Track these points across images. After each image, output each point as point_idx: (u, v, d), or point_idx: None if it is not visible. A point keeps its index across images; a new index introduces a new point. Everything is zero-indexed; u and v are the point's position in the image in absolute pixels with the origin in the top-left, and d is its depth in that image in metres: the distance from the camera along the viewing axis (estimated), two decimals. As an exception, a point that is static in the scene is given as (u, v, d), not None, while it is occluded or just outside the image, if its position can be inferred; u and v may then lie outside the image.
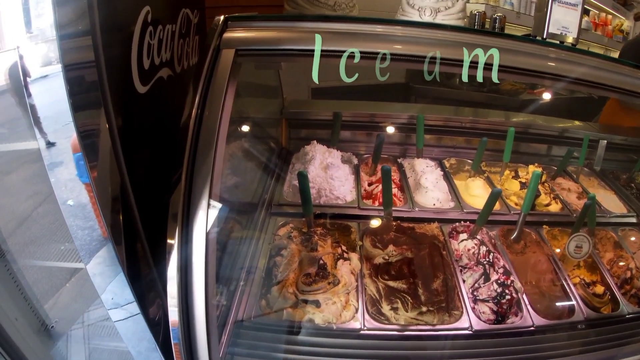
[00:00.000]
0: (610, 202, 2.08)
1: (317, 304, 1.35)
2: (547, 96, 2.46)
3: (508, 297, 1.43)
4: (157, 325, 1.09)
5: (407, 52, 1.23)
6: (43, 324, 1.41)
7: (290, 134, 2.04)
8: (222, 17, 1.22)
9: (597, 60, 1.38)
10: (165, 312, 1.00)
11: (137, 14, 1.06)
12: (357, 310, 1.36)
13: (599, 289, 1.60)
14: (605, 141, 2.23)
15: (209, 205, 1.04)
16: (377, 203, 1.72)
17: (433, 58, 1.22)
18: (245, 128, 1.64)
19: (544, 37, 1.40)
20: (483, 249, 1.54)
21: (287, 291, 1.38)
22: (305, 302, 1.36)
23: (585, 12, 5.64)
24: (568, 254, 1.53)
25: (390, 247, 1.47)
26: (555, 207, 1.91)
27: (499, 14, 1.90)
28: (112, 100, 0.93)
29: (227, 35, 1.19)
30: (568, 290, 1.56)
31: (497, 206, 1.85)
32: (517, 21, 2.49)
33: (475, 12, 2.28)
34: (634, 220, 2.02)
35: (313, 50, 1.21)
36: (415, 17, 1.38)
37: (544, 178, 1.97)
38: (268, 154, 1.83)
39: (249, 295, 1.38)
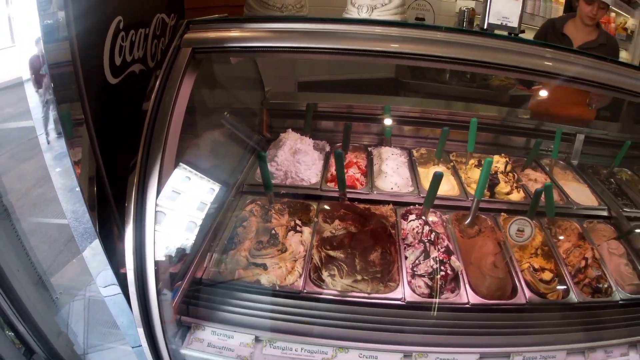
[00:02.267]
0: (582, 195, 2.16)
1: (264, 267, 1.57)
2: (539, 91, 2.55)
3: (443, 273, 1.58)
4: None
5: (333, 46, 1.38)
6: (40, 278, 1.74)
7: (272, 123, 2.28)
8: (184, 21, 1.45)
9: (534, 48, 1.48)
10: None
11: (109, 23, 1.32)
12: (301, 275, 1.56)
13: (547, 275, 1.69)
14: (583, 135, 2.30)
15: (159, 182, 1.28)
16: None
17: (364, 50, 1.38)
18: (223, 116, 1.89)
19: (484, 27, 1.50)
20: (426, 228, 1.69)
21: (241, 255, 1.61)
22: (255, 265, 1.58)
23: None
24: (509, 237, 1.64)
25: (336, 222, 1.66)
26: (516, 196, 2.03)
27: (467, 7, 2.04)
28: (86, 88, 1.20)
29: (187, 36, 1.42)
30: (514, 274, 1.67)
31: (456, 192, 2.00)
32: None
33: (464, 8, 2.43)
34: (604, 213, 2.10)
35: (257, 47, 1.42)
36: (354, 14, 1.56)
37: (508, 168, 2.08)
38: (246, 141, 2.07)
39: (211, 259, 1.63)
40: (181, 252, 1.46)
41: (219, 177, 1.62)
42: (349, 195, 1.87)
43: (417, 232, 1.71)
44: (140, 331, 1.33)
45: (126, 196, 1.26)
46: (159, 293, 1.30)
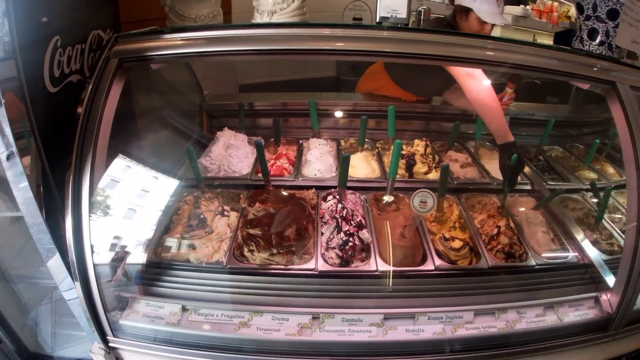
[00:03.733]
0: None
1: (193, 246, 1.84)
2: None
3: (351, 244, 1.82)
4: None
5: (234, 48, 1.63)
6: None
7: (212, 124, 2.56)
8: (114, 35, 1.72)
9: (424, 34, 1.72)
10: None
11: (48, 42, 1.60)
12: (226, 253, 1.82)
13: (457, 243, 1.91)
14: (508, 117, 2.53)
15: (91, 177, 1.53)
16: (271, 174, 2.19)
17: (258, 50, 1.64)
18: (162, 118, 2.18)
19: (377, 20, 1.71)
20: (339, 206, 1.95)
21: (174, 238, 1.88)
22: (186, 245, 1.85)
23: (532, 0, 5.96)
24: (413, 208, 1.85)
25: (257, 205, 1.93)
26: (435, 175, 2.28)
27: (424, 7, 2.30)
28: (30, 96, 1.47)
29: (115, 48, 1.68)
30: (425, 244, 1.92)
31: (377, 174, 2.25)
32: (449, 11, 2.83)
33: (420, 8, 2.69)
34: (526, 187, 2.37)
35: (173, 54, 1.67)
36: (258, 19, 1.83)
37: (428, 150, 2.34)
38: (186, 139, 2.36)
39: (148, 242, 1.89)
40: (119, 238, 1.72)
41: (157, 171, 1.89)
42: (277, 184, 2.14)
43: (332, 210, 1.96)
44: (84, 305, 1.58)
45: (64, 191, 1.53)
46: (97, 276, 1.55)
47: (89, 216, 1.53)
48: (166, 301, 1.69)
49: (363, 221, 1.96)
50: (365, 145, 2.47)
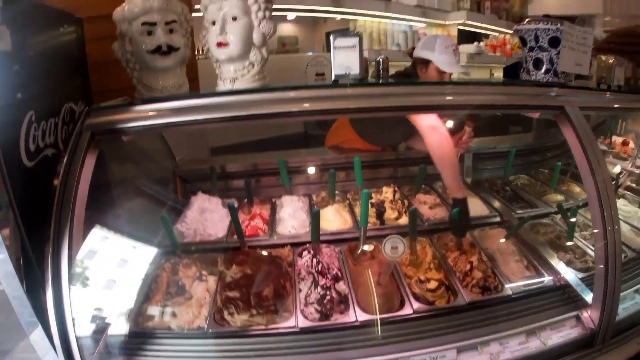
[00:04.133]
0: (473, 206, 2.48)
1: (173, 314, 1.87)
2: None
3: (329, 297, 1.87)
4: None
5: (200, 117, 1.74)
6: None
7: (186, 188, 2.65)
8: (86, 108, 1.81)
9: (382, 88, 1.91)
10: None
11: (23, 118, 1.66)
12: (206, 318, 1.86)
13: (432, 284, 1.96)
14: (470, 154, 2.67)
15: (69, 249, 1.58)
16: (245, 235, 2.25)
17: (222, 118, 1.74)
18: (137, 187, 2.26)
19: (333, 79, 1.82)
20: (314, 261, 2.01)
21: (154, 306, 1.92)
22: (167, 313, 1.88)
23: (485, 37, 6.39)
24: (385, 254, 1.91)
25: (234, 267, 1.99)
26: (405, 220, 2.35)
27: (382, 56, 2.49)
28: (7, 171, 1.51)
29: (87, 122, 1.76)
30: (401, 288, 1.97)
31: (349, 225, 2.33)
32: (406, 58, 3.02)
33: (379, 58, 2.87)
34: (496, 219, 2.48)
35: (144, 126, 1.75)
36: (221, 86, 1.94)
37: (397, 196, 2.44)
38: (161, 206, 2.43)
39: (129, 312, 1.91)
40: (100, 309, 1.75)
41: (134, 240, 1.95)
42: (253, 244, 2.20)
43: (307, 266, 2.02)
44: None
45: (44, 263, 1.57)
46: (80, 348, 1.58)
47: (69, 288, 1.57)
48: (149, 373, 1.71)
49: (339, 273, 2.02)
50: (337, 198, 2.57)
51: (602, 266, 1.78)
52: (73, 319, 1.57)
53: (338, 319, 1.84)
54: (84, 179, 1.68)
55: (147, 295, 1.98)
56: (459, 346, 1.73)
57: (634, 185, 3.00)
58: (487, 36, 6.87)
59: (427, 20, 5.88)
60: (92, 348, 1.64)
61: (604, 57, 2.43)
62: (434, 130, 2.28)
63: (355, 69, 1.82)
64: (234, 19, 1.85)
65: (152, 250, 2.04)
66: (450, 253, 2.23)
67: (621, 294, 1.91)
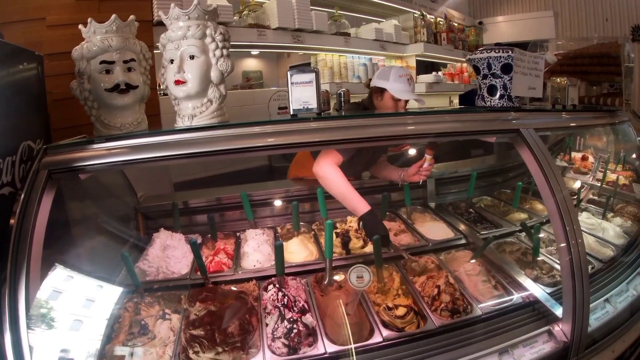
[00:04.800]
0: (438, 231, 2.55)
1: (137, 354, 1.82)
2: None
3: (296, 330, 1.86)
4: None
5: (158, 155, 1.74)
6: None
7: (148, 225, 2.63)
8: (43, 147, 1.80)
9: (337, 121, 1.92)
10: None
11: None
12: (171, 358, 1.81)
13: (400, 311, 1.97)
14: (433, 179, 2.75)
15: (27, 289, 1.54)
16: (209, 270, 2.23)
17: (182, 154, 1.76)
18: (98, 224, 2.23)
19: (291, 113, 1.91)
20: (280, 294, 2.01)
21: (116, 347, 1.86)
22: (130, 354, 1.83)
23: (444, 66, 6.73)
24: (351, 284, 1.93)
25: (197, 304, 1.96)
26: (370, 248, 2.36)
27: (343, 89, 2.54)
28: None
29: (44, 160, 1.75)
30: (370, 317, 1.97)
31: (315, 256, 2.34)
32: (366, 90, 3.14)
33: (340, 91, 2.96)
34: (461, 242, 2.56)
35: (101, 164, 1.75)
36: (179, 123, 1.98)
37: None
38: (123, 244, 2.40)
39: (90, 355, 1.84)
40: (62, 351, 1.69)
41: (95, 280, 1.90)
42: (218, 279, 2.19)
43: (273, 299, 2.01)
44: None
45: (1, 306, 1.52)
46: None
47: (27, 331, 1.53)
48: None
49: (306, 305, 2.02)
50: (303, 229, 2.59)
51: (569, 280, 1.84)
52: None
53: (307, 352, 1.82)
54: (41, 218, 1.66)
55: (109, 336, 1.92)
56: (426, 373, 1.71)
57: (596, 198, 3.14)
58: (445, 65, 7.19)
59: (386, 53, 6.14)
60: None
61: (558, 79, 2.58)
62: (319, 177, 2.42)
63: (312, 103, 1.89)
64: (192, 57, 1.90)
65: (114, 289, 2.00)
66: (417, 278, 2.25)
67: (592, 305, 2.00)
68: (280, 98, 3.19)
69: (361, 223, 2.37)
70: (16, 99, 1.91)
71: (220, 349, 1.81)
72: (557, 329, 1.88)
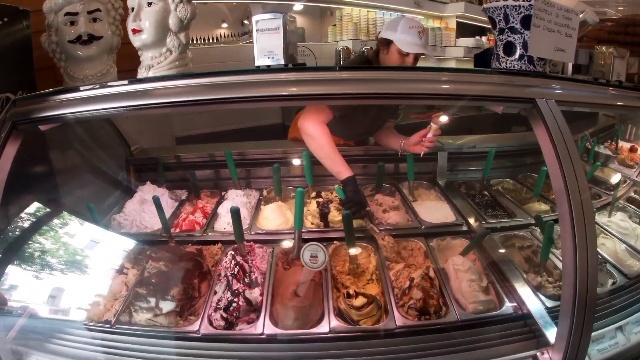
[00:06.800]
0: (438, 212, 2.27)
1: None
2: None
3: (235, 305, 1.73)
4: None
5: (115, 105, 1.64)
6: None
7: (140, 177, 2.62)
8: (13, 99, 1.83)
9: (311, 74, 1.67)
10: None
11: None
12: (116, 312, 1.79)
13: (359, 301, 1.74)
14: (445, 152, 2.35)
15: None
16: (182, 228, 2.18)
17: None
18: (86, 175, 2.24)
19: (256, 65, 1.65)
20: (233, 263, 1.86)
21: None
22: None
23: (489, 31, 5.80)
24: (304, 263, 1.73)
25: (150, 263, 1.89)
26: (356, 223, 2.13)
27: (342, 46, 2.28)
28: None
29: (12, 110, 1.75)
30: (326, 302, 1.77)
31: (290, 225, 2.15)
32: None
33: (339, 49, 2.67)
34: (461, 228, 2.21)
35: (57, 115, 1.70)
36: (140, 74, 1.86)
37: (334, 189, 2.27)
38: (111, 197, 2.42)
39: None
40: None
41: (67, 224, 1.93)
42: (184, 239, 2.14)
43: (226, 267, 1.88)
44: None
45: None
46: None
47: None
48: (54, 358, 1.67)
49: (260, 279, 1.87)
50: (292, 195, 2.38)
51: (570, 301, 1.44)
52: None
53: (243, 329, 1.71)
54: (2, 166, 1.66)
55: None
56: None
57: (638, 197, 2.53)
58: (489, 30, 6.34)
59: (421, 11, 5.61)
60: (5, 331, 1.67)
61: (603, 48, 2.02)
62: (302, 133, 2.26)
63: (278, 54, 1.62)
64: (149, 4, 1.78)
65: (83, 238, 2.01)
66: (394, 265, 1.97)
67: (599, 332, 1.65)
68: (300, 53, 2.93)
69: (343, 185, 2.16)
70: (-4, 53, 1.96)
71: (158, 312, 1.75)
72: (545, 356, 1.53)
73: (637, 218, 2.41)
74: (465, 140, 2.76)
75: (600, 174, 2.88)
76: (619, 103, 1.89)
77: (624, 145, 3.18)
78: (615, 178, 2.78)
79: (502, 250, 2.04)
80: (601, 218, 2.38)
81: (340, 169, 2.19)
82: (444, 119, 2.26)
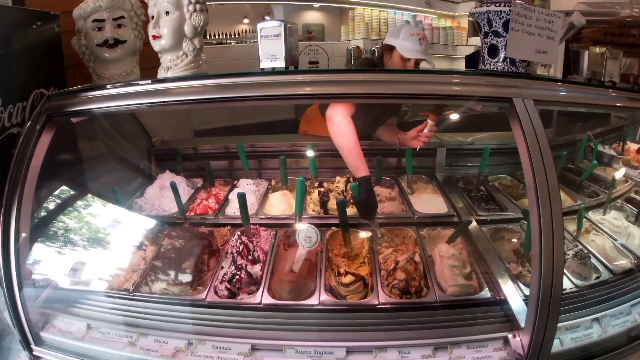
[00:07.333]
0: (433, 204, 2.44)
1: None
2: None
3: (237, 277, 1.95)
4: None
5: (141, 102, 1.88)
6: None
7: (160, 166, 2.88)
8: (48, 94, 2.07)
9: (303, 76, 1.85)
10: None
11: None
12: (134, 282, 2.04)
13: (348, 278, 1.93)
14: (444, 149, 2.50)
15: (18, 212, 1.86)
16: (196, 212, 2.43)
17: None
18: (110, 164, 2.52)
19: (261, 67, 1.83)
20: (238, 242, 2.09)
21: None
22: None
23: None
24: (299, 243, 1.89)
25: (166, 240, 2.14)
26: (351, 211, 2.34)
27: (353, 46, 2.48)
28: None
29: (46, 105, 2.00)
30: (318, 279, 1.98)
31: (292, 211, 2.36)
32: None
33: (350, 48, 2.87)
34: (453, 220, 2.38)
35: (85, 109, 1.95)
36: (160, 74, 2.08)
37: (349, 187, 2.40)
38: (133, 183, 2.70)
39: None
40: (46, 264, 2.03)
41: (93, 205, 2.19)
42: (198, 222, 2.39)
43: (232, 246, 2.11)
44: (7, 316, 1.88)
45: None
46: (20, 291, 1.84)
47: (17, 247, 1.83)
48: (76, 320, 1.94)
49: (262, 256, 2.08)
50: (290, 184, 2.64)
51: (536, 283, 1.55)
52: (18, 272, 1.84)
53: (244, 298, 1.93)
54: (38, 155, 1.92)
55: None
56: (349, 345, 1.70)
57: (638, 197, 2.59)
58: None
59: (433, 10, 5.61)
60: (33, 299, 1.93)
61: (596, 49, 2.11)
62: (329, 121, 2.32)
63: (280, 57, 1.81)
64: (167, 13, 2.01)
65: (108, 218, 2.27)
66: (384, 249, 2.15)
67: (575, 321, 1.77)
68: (312, 52, 3.13)
69: (349, 185, 2.30)
70: (30, 53, 2.21)
71: (171, 282, 1.98)
72: (516, 339, 1.66)
73: (631, 217, 2.50)
74: (466, 137, 2.91)
75: (602, 173, 2.95)
76: (598, 102, 2.00)
77: (631, 146, 3.22)
78: (615, 175, 2.79)
79: (488, 242, 2.18)
80: (595, 215, 2.48)
81: (359, 166, 2.28)
82: (438, 114, 2.42)
